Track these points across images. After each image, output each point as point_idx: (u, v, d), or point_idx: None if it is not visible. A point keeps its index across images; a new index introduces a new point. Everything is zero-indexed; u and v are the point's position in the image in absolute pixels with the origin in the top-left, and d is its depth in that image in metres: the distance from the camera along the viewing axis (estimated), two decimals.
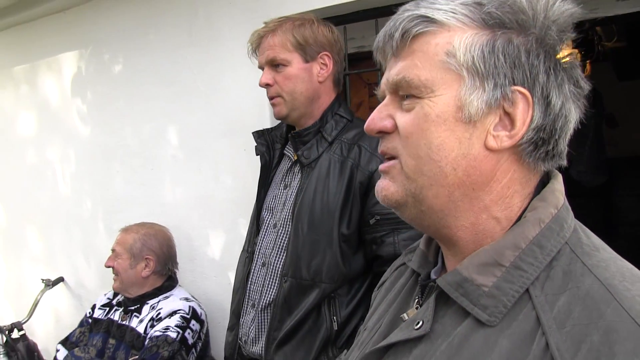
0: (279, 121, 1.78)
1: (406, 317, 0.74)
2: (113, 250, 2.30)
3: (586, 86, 0.69)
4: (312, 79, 1.60)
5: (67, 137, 3.17)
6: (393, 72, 0.70)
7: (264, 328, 1.61)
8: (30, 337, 3.06)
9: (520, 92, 0.65)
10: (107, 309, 2.37)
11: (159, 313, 2.15)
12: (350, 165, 1.52)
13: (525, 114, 0.65)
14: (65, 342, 2.35)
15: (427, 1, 0.68)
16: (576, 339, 0.56)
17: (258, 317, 1.64)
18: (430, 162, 0.67)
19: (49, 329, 3.33)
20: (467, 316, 0.65)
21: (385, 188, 0.72)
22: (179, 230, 2.50)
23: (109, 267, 2.29)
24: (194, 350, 2.13)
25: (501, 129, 0.66)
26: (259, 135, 1.77)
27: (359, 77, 3.02)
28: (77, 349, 2.28)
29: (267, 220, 1.71)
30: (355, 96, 3.04)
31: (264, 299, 1.63)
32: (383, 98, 0.74)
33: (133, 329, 2.18)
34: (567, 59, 0.67)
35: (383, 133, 0.72)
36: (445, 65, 0.66)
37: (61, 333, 2.49)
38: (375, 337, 0.79)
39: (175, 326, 2.09)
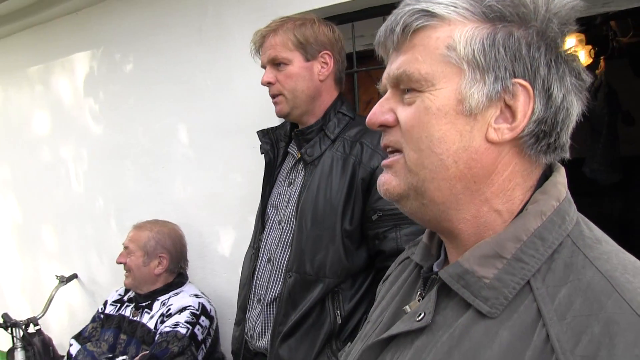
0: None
1: (408, 310, 0.74)
2: (126, 247, 2.32)
3: (588, 79, 0.69)
4: (313, 77, 1.63)
5: (80, 136, 3.20)
6: (394, 66, 0.71)
7: (270, 322, 1.65)
8: (45, 332, 3.12)
9: (521, 85, 0.65)
10: (119, 305, 2.40)
11: (169, 309, 2.18)
12: (353, 162, 1.55)
13: (526, 107, 0.65)
14: (78, 337, 2.38)
15: None
16: (577, 330, 0.56)
17: (264, 311, 1.67)
18: (432, 155, 0.67)
19: (63, 324, 3.37)
20: (468, 308, 0.65)
21: (387, 182, 0.73)
22: (190, 228, 2.52)
23: (120, 263, 2.31)
24: (203, 346, 2.15)
25: (502, 121, 0.66)
26: (263, 134, 1.80)
27: (368, 75, 3.01)
28: (89, 343, 2.31)
29: (272, 217, 1.74)
30: (365, 94, 3.04)
31: (269, 294, 1.66)
32: (385, 92, 0.75)
33: (144, 325, 2.20)
34: (569, 51, 0.67)
35: (385, 127, 0.73)
36: (446, 58, 0.66)
37: (75, 328, 2.52)
38: (378, 329, 0.79)
39: (185, 322, 2.11)
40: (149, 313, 2.24)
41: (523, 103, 0.65)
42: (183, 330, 2.08)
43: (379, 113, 0.73)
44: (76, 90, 3.22)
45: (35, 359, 2.91)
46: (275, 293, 1.64)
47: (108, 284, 2.96)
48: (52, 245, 3.52)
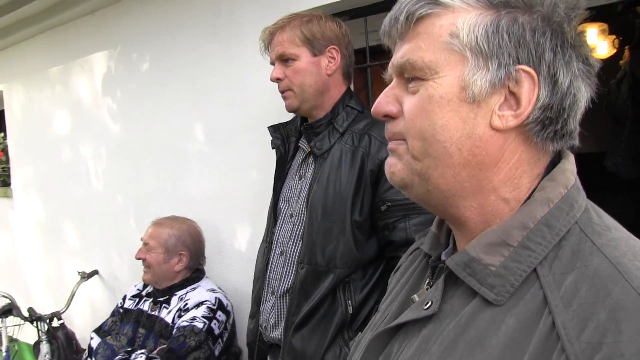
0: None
1: (416, 298, 0.74)
2: (146, 243, 2.35)
3: (596, 63, 0.68)
4: (321, 72, 1.66)
5: (99, 135, 3.26)
6: (398, 55, 0.71)
7: (283, 313, 1.68)
8: (68, 326, 3.18)
9: (525, 71, 0.64)
10: (137, 299, 2.44)
11: (187, 304, 2.20)
12: (361, 154, 1.58)
13: (530, 93, 0.64)
14: (98, 331, 2.42)
15: None
16: (582, 317, 0.55)
17: (277, 303, 1.70)
18: (435, 143, 0.67)
19: (85, 319, 3.44)
20: (475, 296, 0.65)
21: (392, 165, 0.73)
22: (206, 223, 2.55)
23: (139, 259, 2.34)
24: (220, 340, 2.17)
25: (507, 108, 0.66)
26: (274, 129, 1.84)
27: (381, 70, 3.00)
28: (109, 337, 2.35)
29: (283, 210, 1.77)
30: (379, 89, 3.00)
31: (282, 286, 1.69)
32: (391, 81, 0.75)
33: (162, 319, 2.24)
34: (575, 36, 0.66)
35: (389, 117, 0.73)
36: (449, 46, 0.66)
37: (96, 322, 2.57)
38: (387, 318, 0.79)
39: (201, 317, 2.13)
40: (167, 308, 2.26)
41: (527, 89, 0.64)
42: (200, 325, 2.10)
43: (384, 103, 0.73)
44: (94, 90, 3.27)
45: (59, 352, 2.98)
46: (288, 285, 1.67)
47: (128, 280, 3.01)
48: (73, 242, 3.59)
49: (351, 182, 1.56)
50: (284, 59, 1.67)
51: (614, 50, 3.94)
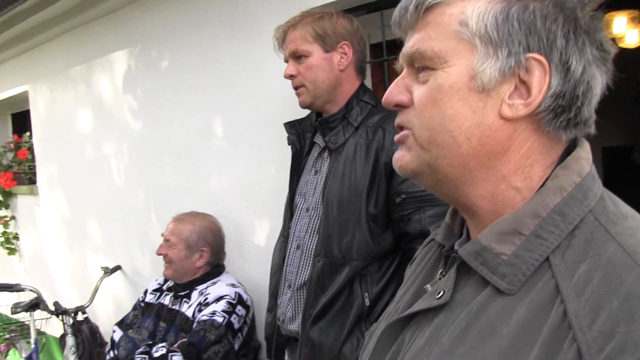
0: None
1: (429, 288, 0.74)
2: (167, 239, 2.37)
3: (612, 49, 0.67)
4: (333, 67, 1.68)
5: (121, 132, 3.30)
6: (408, 45, 0.71)
7: (300, 306, 1.70)
8: (92, 319, 3.25)
9: (536, 59, 0.63)
10: (158, 293, 2.47)
11: (207, 298, 2.23)
12: (376, 147, 1.59)
13: (541, 81, 0.64)
14: (120, 324, 2.46)
15: None
16: (595, 305, 0.55)
17: (294, 296, 1.73)
18: (444, 132, 0.67)
19: (109, 313, 3.50)
20: (486, 285, 0.65)
21: (401, 158, 0.73)
22: (226, 219, 2.57)
23: (161, 255, 2.37)
24: (240, 334, 2.19)
25: (517, 97, 0.65)
26: (289, 125, 1.87)
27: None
28: (131, 330, 2.39)
29: (300, 205, 1.80)
30: None
31: (299, 279, 1.72)
32: (402, 71, 0.75)
33: (182, 313, 2.26)
34: (589, 21, 0.65)
35: (400, 106, 0.73)
36: (459, 35, 0.66)
37: (119, 316, 2.62)
38: (400, 308, 0.80)
39: (221, 311, 2.15)
40: (187, 302, 2.29)
41: (538, 78, 0.64)
42: (220, 319, 2.12)
43: (394, 92, 0.73)
44: (116, 88, 3.32)
45: (83, 345, 3.05)
46: (305, 278, 1.69)
47: (149, 275, 3.05)
48: (97, 238, 3.65)
49: (366, 175, 1.58)
50: (296, 56, 1.70)
51: None
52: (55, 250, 4.15)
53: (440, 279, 0.75)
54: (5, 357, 4.00)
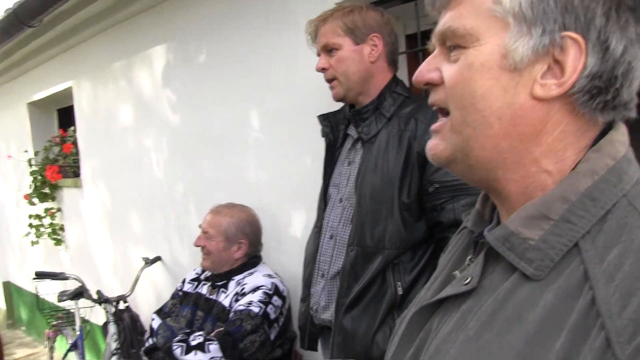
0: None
1: (458, 274, 0.74)
2: (205, 231, 2.40)
3: None
4: (364, 59, 1.70)
5: (160, 125, 3.37)
6: (441, 23, 0.70)
7: (333, 295, 1.72)
8: (133, 308, 3.34)
9: (571, 38, 0.61)
10: (196, 283, 2.51)
11: (243, 288, 2.25)
12: (408, 137, 1.61)
13: (576, 61, 0.61)
14: (159, 312, 2.52)
15: None
16: (625, 292, 0.53)
17: (327, 285, 1.75)
18: (475, 112, 0.65)
19: (149, 302, 3.59)
20: (514, 271, 0.63)
21: (434, 147, 0.72)
22: (263, 210, 2.59)
23: (199, 246, 2.41)
24: (276, 324, 2.21)
25: (550, 77, 0.63)
26: (323, 118, 1.89)
27: None
28: (169, 318, 2.44)
29: (333, 196, 1.82)
30: None
31: (332, 269, 1.74)
32: (434, 51, 0.74)
33: (219, 303, 2.30)
34: None
35: (431, 85, 0.72)
36: (492, 13, 0.64)
37: (159, 305, 2.67)
38: (430, 294, 0.79)
39: (258, 301, 2.17)
40: (224, 292, 2.32)
41: (573, 57, 0.61)
42: (256, 309, 2.14)
43: (425, 71, 0.72)
44: (155, 82, 3.38)
45: (124, 333, 3.14)
46: (338, 267, 1.71)
47: (188, 265, 3.10)
48: (137, 230, 3.75)
49: (398, 164, 1.59)
50: (328, 49, 1.73)
51: None
52: (99, 241, 4.28)
53: (469, 265, 0.74)
54: (54, 342, 4.16)
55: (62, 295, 3.33)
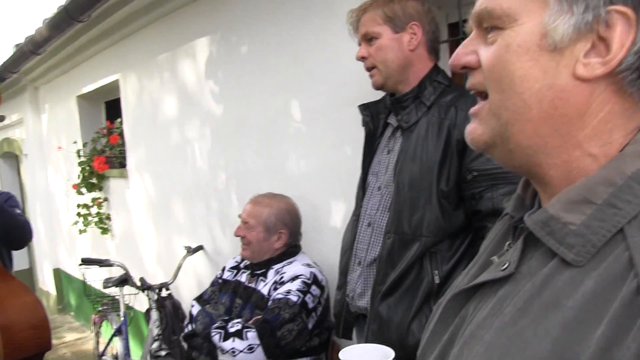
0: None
1: (496, 260, 0.72)
2: (245, 222, 2.42)
3: None
4: (403, 47, 1.69)
5: (203, 116, 3.42)
6: (477, 4, 0.68)
7: (370, 283, 1.73)
8: (175, 296, 3.41)
9: (619, 12, 0.58)
10: (235, 271, 2.54)
11: (282, 277, 2.26)
12: (448, 125, 1.60)
13: (624, 37, 0.58)
14: (199, 299, 2.56)
15: None
16: None
17: (364, 273, 1.76)
18: (514, 95, 0.63)
19: (191, 290, 3.65)
20: (553, 257, 0.61)
21: (472, 131, 0.70)
22: (304, 200, 2.60)
23: (239, 236, 2.43)
24: (314, 313, 2.21)
25: (594, 55, 0.60)
26: (363, 107, 1.90)
27: None
28: (208, 305, 2.48)
29: (372, 184, 1.83)
30: None
31: (369, 256, 1.74)
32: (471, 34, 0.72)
33: (258, 291, 2.31)
34: None
35: (468, 69, 0.70)
36: None
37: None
38: (466, 279, 0.77)
39: (296, 290, 2.18)
40: (263, 280, 2.34)
41: (620, 33, 0.58)
42: (294, 298, 2.15)
43: (461, 54, 0.70)
44: (198, 73, 3.43)
45: (166, 319, 3.21)
46: (375, 254, 1.72)
47: (229, 254, 3.14)
48: (181, 219, 3.82)
49: (437, 152, 1.59)
50: (368, 38, 1.73)
51: None
52: (143, 230, 4.38)
53: (507, 250, 0.72)
54: (100, 327, 4.30)
55: (107, 282, 3.43)
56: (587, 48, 0.60)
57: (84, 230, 5.14)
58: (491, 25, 0.65)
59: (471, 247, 1.58)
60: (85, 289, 4.67)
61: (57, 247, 6.53)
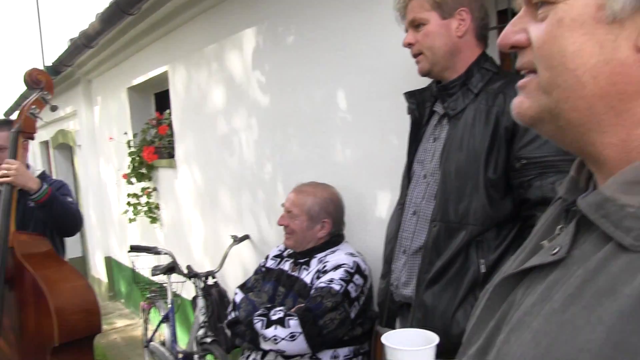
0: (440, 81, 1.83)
1: (546, 244, 0.68)
2: (289, 211, 2.43)
3: None
4: (451, 33, 1.66)
5: (250, 107, 3.45)
6: None
7: (415, 271, 1.71)
8: (221, 284, 3.47)
9: None
10: (279, 260, 2.55)
11: (325, 266, 2.25)
12: (496, 112, 1.56)
13: None
14: (242, 287, 2.58)
15: None
16: None
17: (409, 261, 1.74)
18: (566, 71, 0.59)
19: (237, 279, 3.70)
20: (609, 241, 0.57)
21: (519, 105, 0.67)
22: (349, 190, 2.59)
23: (282, 225, 2.44)
24: (356, 303, 2.20)
25: None
26: (409, 95, 1.88)
27: None
28: (251, 293, 2.49)
29: (417, 172, 1.81)
30: None
31: (414, 244, 1.73)
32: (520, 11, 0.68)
33: (301, 280, 2.31)
34: None
35: (517, 48, 0.66)
36: None
37: None
38: (515, 264, 0.74)
39: (339, 279, 2.17)
40: (306, 269, 2.34)
41: None
42: (337, 287, 2.14)
43: (510, 33, 0.66)
44: (245, 64, 3.46)
45: (212, 307, 3.26)
46: (420, 243, 1.71)
47: (275, 244, 3.15)
48: (227, 209, 3.87)
49: (485, 140, 1.56)
50: (415, 25, 1.71)
51: None
52: (191, 219, 4.46)
53: (558, 234, 0.68)
54: (148, 314, 4.41)
55: (156, 270, 3.51)
56: None
57: (134, 219, 5.28)
58: (541, 0, 0.62)
59: (519, 236, 1.55)
60: (134, 277, 4.81)
61: (108, 235, 6.74)
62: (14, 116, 2.78)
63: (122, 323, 5.95)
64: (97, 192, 6.76)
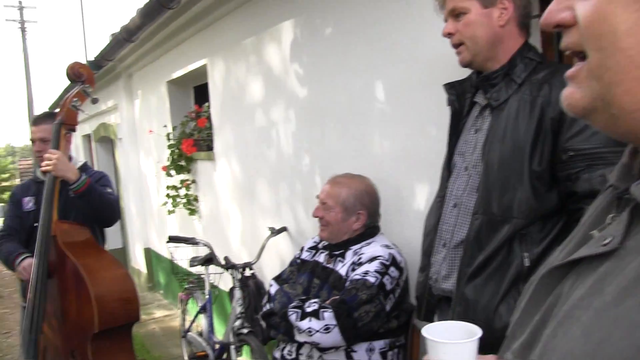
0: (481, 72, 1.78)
1: (596, 234, 0.64)
2: (324, 202, 2.41)
3: None
4: (492, 23, 1.61)
5: (288, 99, 3.44)
6: None
7: (455, 265, 1.68)
8: (258, 276, 3.48)
9: None
10: (314, 251, 2.54)
11: (360, 258, 2.23)
12: (541, 103, 1.51)
13: None
14: (277, 279, 2.58)
15: None
16: None
17: (449, 255, 1.71)
18: (617, 52, 0.55)
19: (274, 270, 3.70)
20: None
21: (569, 95, 0.63)
22: (386, 182, 2.55)
23: (317, 217, 2.43)
24: (392, 295, 2.17)
25: None
26: (449, 86, 1.83)
27: None
28: (286, 285, 2.49)
29: (458, 164, 1.77)
30: None
31: (455, 238, 1.69)
32: None
33: (336, 272, 2.30)
34: None
35: (562, 27, 0.63)
36: None
37: None
38: (562, 255, 0.70)
39: (374, 271, 2.15)
40: (341, 261, 2.32)
41: None
42: (372, 279, 2.12)
43: (554, 12, 0.62)
44: (283, 57, 3.45)
45: (249, 298, 3.28)
46: (461, 236, 1.67)
47: (312, 236, 3.16)
48: (265, 201, 3.88)
49: (530, 131, 1.51)
50: (455, 14, 1.66)
51: None
52: (229, 211, 4.50)
53: (610, 224, 0.64)
54: (186, 305, 4.48)
55: (194, 261, 3.55)
56: None
57: (173, 211, 5.35)
58: None
59: (565, 230, 1.49)
60: (172, 268, 4.87)
61: (147, 227, 6.87)
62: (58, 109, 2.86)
63: (160, 313, 6.05)
64: (137, 184, 6.90)
